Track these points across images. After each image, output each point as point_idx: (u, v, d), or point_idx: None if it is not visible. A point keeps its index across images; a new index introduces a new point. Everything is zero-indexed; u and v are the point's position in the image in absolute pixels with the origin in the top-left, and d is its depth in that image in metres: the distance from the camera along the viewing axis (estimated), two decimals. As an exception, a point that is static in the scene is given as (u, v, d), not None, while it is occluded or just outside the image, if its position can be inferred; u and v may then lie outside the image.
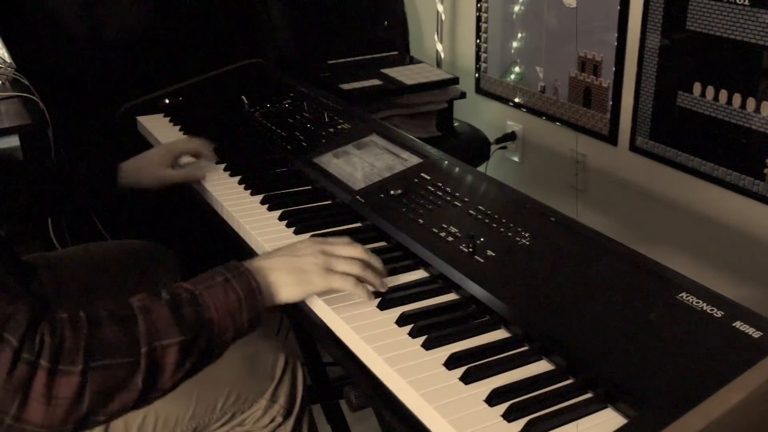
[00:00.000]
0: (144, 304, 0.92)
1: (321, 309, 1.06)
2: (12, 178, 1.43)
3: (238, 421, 1.25)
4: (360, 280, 1.05)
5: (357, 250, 1.08)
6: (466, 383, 0.90)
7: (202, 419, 1.21)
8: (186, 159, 1.58)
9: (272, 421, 1.28)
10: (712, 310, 0.91)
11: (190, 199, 1.55)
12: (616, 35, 2.08)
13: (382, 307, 1.05)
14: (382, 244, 1.24)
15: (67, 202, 1.51)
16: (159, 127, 1.82)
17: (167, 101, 1.94)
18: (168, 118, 1.88)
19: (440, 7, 2.63)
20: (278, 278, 1.02)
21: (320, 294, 1.07)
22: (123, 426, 1.17)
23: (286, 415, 1.29)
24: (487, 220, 1.18)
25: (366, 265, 1.07)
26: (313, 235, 1.25)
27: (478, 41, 2.60)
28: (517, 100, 2.50)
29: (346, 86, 2.01)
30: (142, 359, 0.88)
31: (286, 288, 1.02)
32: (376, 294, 1.07)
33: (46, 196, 1.47)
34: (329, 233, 1.27)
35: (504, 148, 2.58)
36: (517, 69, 2.47)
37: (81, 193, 1.48)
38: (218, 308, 0.95)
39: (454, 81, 2.14)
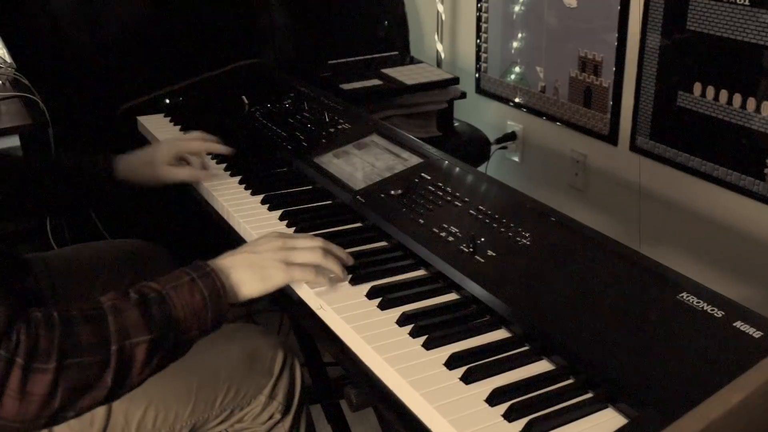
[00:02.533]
0: (114, 304, 0.94)
1: (321, 310, 1.06)
2: (8, 174, 1.43)
3: (237, 417, 1.26)
4: (322, 267, 1.08)
5: (315, 241, 1.11)
6: (467, 383, 0.90)
7: (201, 415, 1.22)
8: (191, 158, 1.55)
9: (271, 417, 1.28)
10: (712, 310, 0.92)
11: (190, 198, 1.55)
12: (617, 35, 2.08)
13: (382, 307, 1.05)
14: (383, 244, 1.24)
15: (63, 197, 1.50)
16: (159, 127, 1.82)
17: (167, 101, 1.94)
18: (168, 118, 1.88)
19: (440, 7, 2.63)
20: (240, 276, 1.04)
21: (321, 294, 1.07)
22: (123, 421, 1.17)
23: (285, 412, 1.29)
24: (487, 220, 1.18)
25: (326, 252, 1.09)
26: (313, 236, 1.25)
27: (478, 41, 2.60)
28: (517, 100, 2.50)
29: (346, 86, 2.01)
30: (112, 357, 0.90)
31: (247, 285, 1.05)
32: (377, 294, 1.07)
33: (42, 191, 1.46)
34: (329, 233, 1.27)
35: (504, 148, 2.58)
36: (517, 69, 2.47)
37: (78, 188, 1.47)
38: (184, 307, 0.98)
39: (455, 81, 2.14)
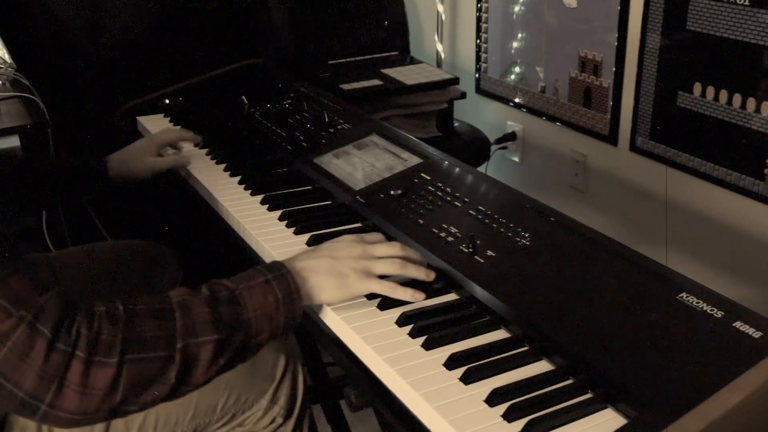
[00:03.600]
0: (183, 300, 0.93)
1: (321, 310, 1.06)
2: (6, 173, 1.47)
3: (239, 421, 1.26)
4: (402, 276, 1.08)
5: (394, 248, 1.09)
6: (466, 383, 0.90)
7: (202, 419, 1.21)
8: (171, 150, 1.68)
9: (272, 421, 1.28)
10: (712, 310, 0.91)
11: (189, 199, 1.55)
12: (617, 35, 2.08)
13: (382, 307, 1.05)
14: (382, 244, 1.24)
15: (61, 196, 1.60)
16: (159, 127, 1.82)
17: (167, 101, 1.94)
18: (168, 119, 1.88)
19: (440, 7, 2.63)
20: (318, 281, 1.02)
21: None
22: (123, 426, 1.17)
23: (287, 416, 1.29)
24: (487, 221, 1.18)
25: (404, 262, 1.08)
26: (313, 236, 1.25)
27: (478, 41, 2.60)
28: (517, 100, 2.50)
29: (346, 86, 2.01)
30: (177, 354, 0.89)
31: (326, 291, 1.03)
32: (377, 295, 1.07)
33: (40, 191, 1.55)
34: (329, 233, 1.26)
35: (504, 148, 2.58)
36: (517, 69, 2.47)
37: (74, 187, 1.56)
38: (256, 309, 0.96)
39: (455, 81, 2.14)
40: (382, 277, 1.07)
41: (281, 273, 1.00)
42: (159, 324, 0.89)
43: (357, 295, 1.05)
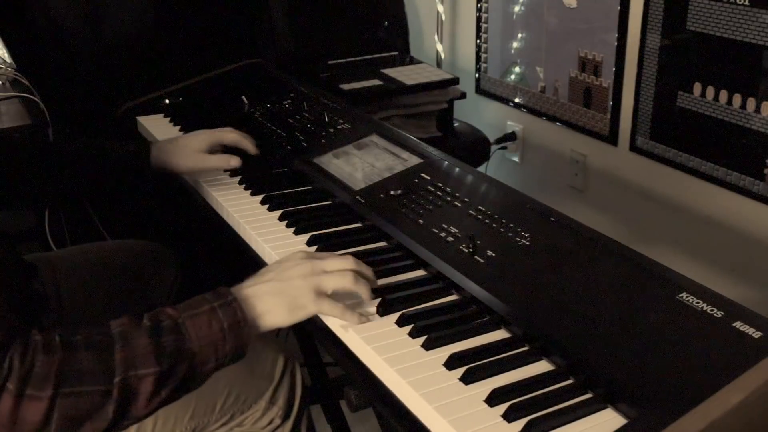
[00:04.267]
0: (123, 330, 0.89)
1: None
2: (39, 161, 1.39)
3: (237, 421, 1.26)
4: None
5: (346, 262, 1.04)
6: (466, 383, 0.90)
7: (201, 419, 1.21)
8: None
9: (271, 422, 1.28)
10: (712, 310, 0.91)
11: (189, 199, 1.55)
12: (617, 35, 2.08)
13: (382, 313, 1.04)
14: (382, 244, 1.24)
15: (96, 184, 1.46)
16: (159, 128, 1.82)
17: (167, 101, 1.94)
18: (168, 119, 1.88)
19: (440, 7, 2.63)
20: (267, 307, 0.98)
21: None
22: None
23: (285, 417, 1.29)
24: (487, 221, 1.18)
25: (356, 276, 1.03)
26: (313, 236, 1.25)
27: (478, 41, 2.60)
28: (517, 100, 2.50)
29: (346, 86, 2.01)
30: (114, 388, 0.85)
31: (274, 315, 0.99)
32: (377, 295, 1.07)
33: (75, 178, 1.43)
34: (329, 233, 1.27)
35: (504, 148, 2.58)
36: (517, 69, 2.47)
37: (114, 174, 1.44)
38: (200, 338, 0.92)
39: (455, 81, 2.14)
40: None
41: (227, 301, 0.96)
42: (97, 356, 0.85)
43: (308, 316, 1.01)
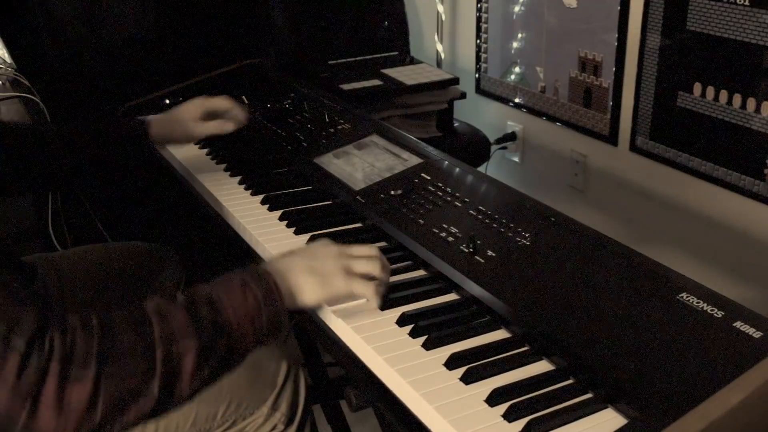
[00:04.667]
0: (159, 308, 0.88)
1: (322, 310, 1.06)
2: (40, 143, 1.39)
3: (239, 428, 1.24)
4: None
5: (372, 250, 1.06)
6: (467, 383, 0.90)
7: (202, 426, 1.21)
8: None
9: (273, 428, 1.26)
10: (712, 310, 0.92)
11: (190, 199, 1.55)
12: (617, 35, 2.08)
13: (382, 307, 1.05)
14: (383, 244, 1.24)
15: (99, 162, 1.46)
16: (159, 127, 1.82)
17: (167, 101, 1.94)
18: (168, 118, 1.88)
19: (440, 8, 2.63)
20: (299, 281, 0.98)
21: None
22: None
23: (288, 423, 1.28)
24: (487, 220, 1.18)
25: (383, 263, 1.05)
26: (313, 236, 1.25)
27: (478, 41, 2.60)
28: (517, 100, 2.50)
29: (346, 86, 2.01)
30: (157, 364, 0.84)
31: (307, 291, 0.99)
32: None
33: (78, 158, 1.43)
34: (329, 233, 1.27)
35: (504, 148, 2.58)
36: (517, 69, 2.47)
37: (113, 150, 1.46)
38: (236, 310, 0.91)
39: (455, 81, 2.14)
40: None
41: (258, 274, 0.96)
42: (136, 333, 0.85)
43: (340, 295, 1.02)
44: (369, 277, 1.03)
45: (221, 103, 1.55)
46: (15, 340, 0.78)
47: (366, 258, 1.03)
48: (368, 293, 1.02)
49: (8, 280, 0.83)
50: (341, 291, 1.01)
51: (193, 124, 1.51)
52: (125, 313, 0.87)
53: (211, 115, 1.53)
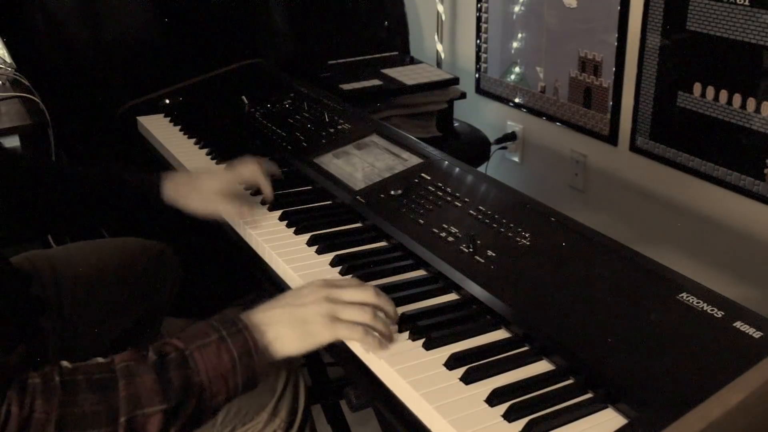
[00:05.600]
0: (127, 366, 0.85)
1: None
2: (49, 191, 1.35)
3: None
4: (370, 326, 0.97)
5: (366, 294, 0.99)
6: (467, 383, 0.90)
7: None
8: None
9: None
10: (712, 310, 0.91)
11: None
12: (617, 35, 2.08)
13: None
14: (383, 244, 1.24)
15: (106, 215, 1.41)
16: (159, 128, 1.82)
17: (167, 101, 1.94)
18: (168, 119, 1.88)
19: (440, 7, 2.63)
20: (279, 333, 0.94)
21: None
22: None
23: (287, 429, 1.27)
24: (487, 221, 1.18)
25: (375, 312, 0.98)
26: (313, 236, 1.25)
27: (478, 41, 2.60)
28: (517, 100, 2.50)
29: (346, 86, 2.01)
30: (119, 429, 0.81)
31: (287, 343, 0.94)
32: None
33: (85, 210, 1.38)
34: (329, 233, 1.27)
35: (504, 148, 2.58)
36: (517, 69, 2.47)
37: (122, 207, 1.38)
38: (209, 371, 0.88)
39: (455, 81, 2.14)
40: None
41: (237, 329, 0.91)
42: (100, 397, 0.81)
43: (322, 344, 0.96)
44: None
45: (246, 174, 1.37)
46: None
47: (357, 306, 0.97)
48: (356, 338, 0.95)
49: None
50: (324, 340, 0.96)
51: (211, 200, 1.33)
52: (91, 370, 0.84)
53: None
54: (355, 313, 0.96)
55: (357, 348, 0.99)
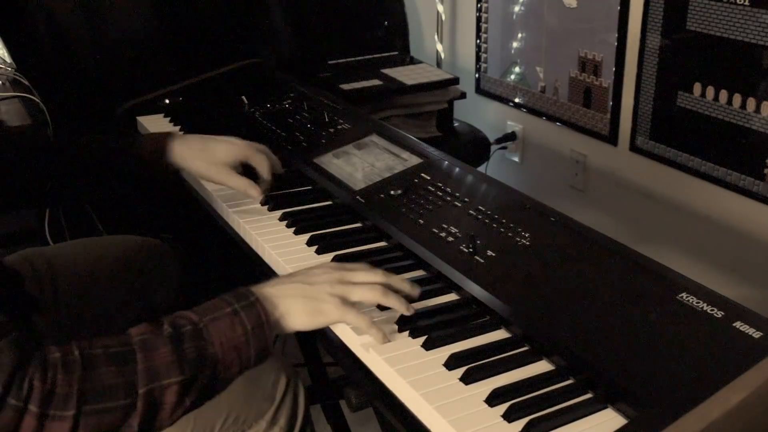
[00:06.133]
0: (144, 339, 0.87)
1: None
2: (48, 157, 1.33)
3: None
4: (382, 305, 1.01)
5: (376, 276, 1.01)
6: (467, 383, 0.90)
7: None
8: None
9: None
10: (712, 310, 0.91)
11: (189, 197, 1.55)
12: (617, 35, 2.08)
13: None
14: (382, 244, 1.24)
15: (109, 185, 1.38)
16: (159, 128, 1.82)
17: (167, 101, 1.94)
18: (168, 118, 1.88)
19: (440, 7, 2.63)
20: (289, 307, 0.96)
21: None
22: None
23: None
24: (487, 220, 1.18)
25: (386, 289, 0.99)
26: (313, 236, 1.25)
27: (478, 41, 2.60)
28: (517, 100, 2.50)
29: (346, 86, 2.01)
30: (138, 401, 0.84)
31: (297, 318, 0.97)
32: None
33: (87, 179, 1.36)
34: (329, 233, 1.27)
35: (504, 148, 2.58)
36: (517, 69, 2.47)
37: (130, 163, 1.35)
38: (223, 343, 0.90)
39: (455, 81, 2.14)
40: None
41: (249, 302, 0.94)
42: (118, 369, 0.83)
43: (331, 323, 0.99)
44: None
45: (258, 161, 1.37)
46: None
47: (367, 285, 0.99)
48: (362, 325, 0.97)
49: None
50: (332, 320, 0.98)
51: (221, 169, 1.33)
52: (109, 344, 0.86)
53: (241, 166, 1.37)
54: (365, 293, 0.98)
55: (357, 348, 0.99)
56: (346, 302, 0.98)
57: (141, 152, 1.35)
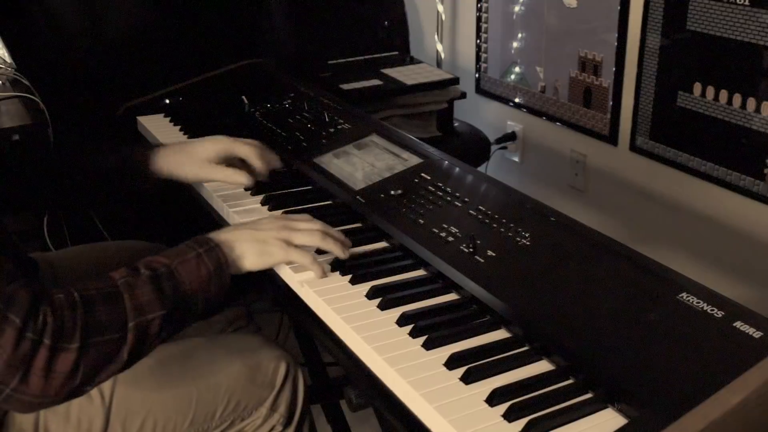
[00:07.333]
0: (127, 281, 0.98)
1: (321, 309, 1.07)
2: (43, 170, 1.39)
3: (237, 428, 1.24)
4: (321, 249, 1.14)
5: (315, 224, 1.15)
6: (467, 383, 0.90)
7: (200, 426, 1.21)
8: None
9: (272, 429, 1.27)
10: (712, 310, 0.91)
11: (189, 198, 1.55)
12: (617, 35, 2.08)
13: (382, 307, 1.05)
14: (383, 244, 1.24)
15: (96, 193, 1.43)
16: (159, 127, 1.82)
17: (167, 101, 1.94)
18: (168, 118, 1.88)
19: (440, 7, 2.63)
20: (243, 250, 1.08)
21: (321, 294, 1.07)
22: (121, 430, 1.16)
23: (286, 424, 1.28)
24: (487, 220, 1.18)
25: (324, 235, 1.13)
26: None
27: (478, 41, 2.60)
28: (517, 100, 2.50)
29: (346, 86, 2.01)
30: (129, 334, 0.96)
31: (248, 259, 1.09)
32: (377, 294, 1.07)
33: (75, 188, 1.40)
34: (329, 233, 1.27)
35: (504, 148, 2.58)
36: (517, 69, 2.47)
37: (111, 184, 1.38)
38: (192, 282, 1.02)
39: (455, 81, 2.14)
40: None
41: (210, 246, 1.06)
42: (111, 307, 0.95)
43: (277, 263, 1.12)
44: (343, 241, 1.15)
45: (246, 150, 1.37)
46: (11, 316, 0.88)
47: (307, 231, 1.13)
48: (305, 261, 1.10)
49: (3, 262, 0.91)
50: (279, 259, 1.11)
51: (207, 168, 1.35)
52: (99, 286, 0.97)
53: (229, 160, 1.38)
54: (306, 237, 1.12)
55: (357, 348, 0.99)
56: (291, 244, 1.11)
57: (129, 170, 1.38)
